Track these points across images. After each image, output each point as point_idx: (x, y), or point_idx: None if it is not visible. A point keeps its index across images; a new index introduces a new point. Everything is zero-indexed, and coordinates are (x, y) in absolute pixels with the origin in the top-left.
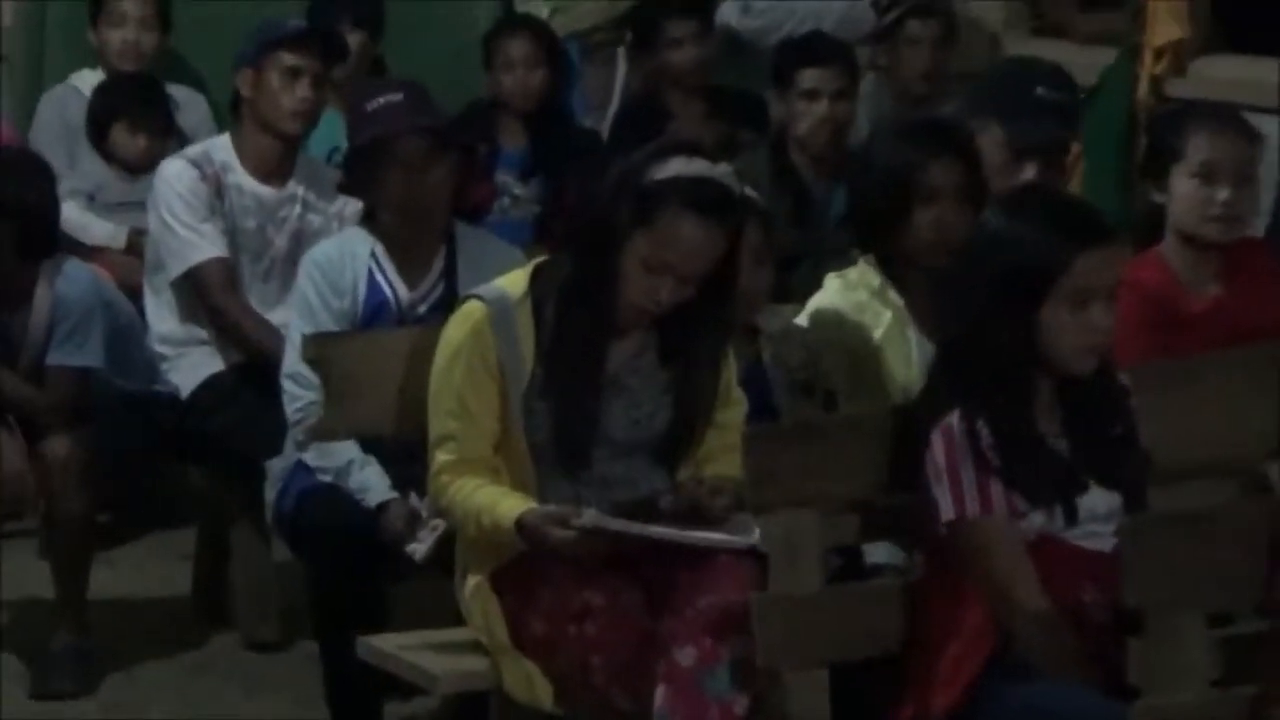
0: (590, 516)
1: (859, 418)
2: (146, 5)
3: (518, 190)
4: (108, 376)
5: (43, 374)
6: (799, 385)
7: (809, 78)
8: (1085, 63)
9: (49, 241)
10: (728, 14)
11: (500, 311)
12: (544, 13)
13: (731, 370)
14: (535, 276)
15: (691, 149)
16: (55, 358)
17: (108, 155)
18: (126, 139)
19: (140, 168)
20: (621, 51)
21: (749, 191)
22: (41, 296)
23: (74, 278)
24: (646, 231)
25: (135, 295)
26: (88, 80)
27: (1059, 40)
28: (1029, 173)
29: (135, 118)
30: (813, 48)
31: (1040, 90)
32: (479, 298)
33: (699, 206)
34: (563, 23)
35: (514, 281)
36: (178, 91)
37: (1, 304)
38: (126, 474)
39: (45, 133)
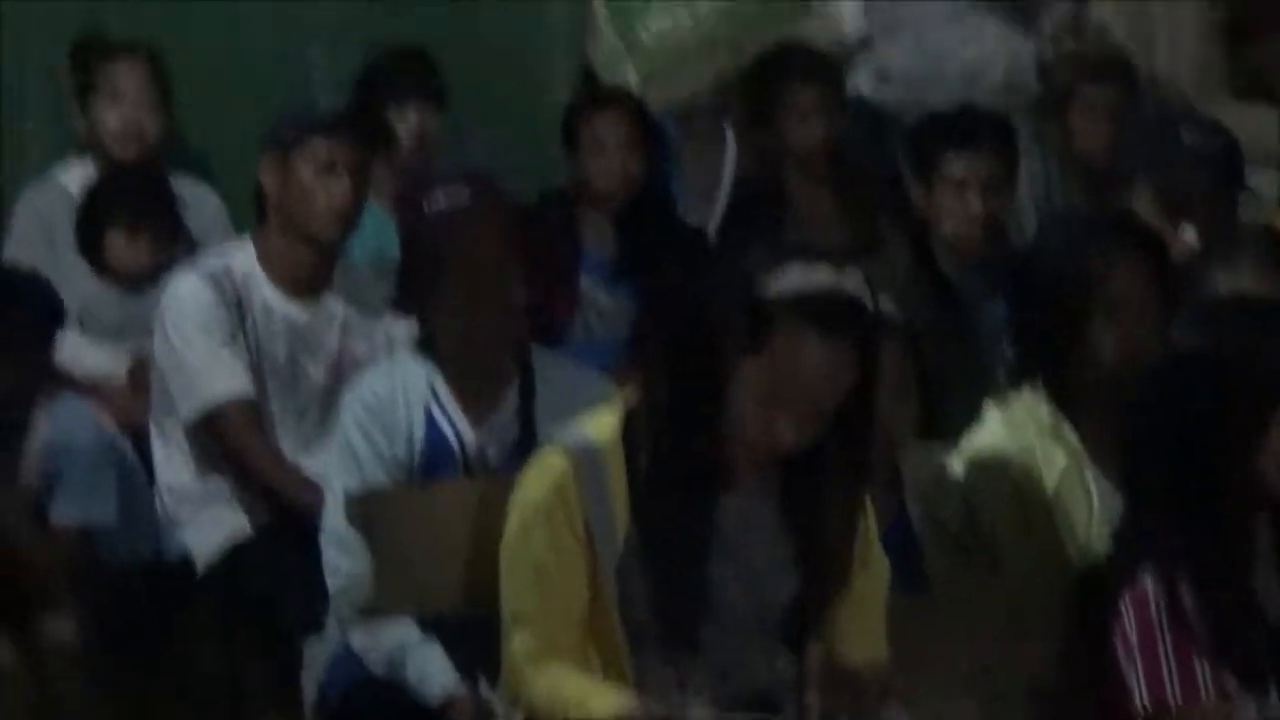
0: (702, 714)
1: (1030, 584)
2: (148, 79)
3: (605, 301)
4: (111, 538)
5: (34, 534)
6: (954, 544)
7: (958, 163)
8: None
9: (45, 375)
10: (860, 81)
11: (586, 462)
12: (634, 82)
13: (870, 527)
14: (628, 416)
15: (812, 254)
16: (60, 514)
17: (101, 267)
18: (125, 247)
19: (142, 282)
20: (730, 127)
21: (885, 304)
22: (36, 441)
23: (77, 418)
24: (759, 358)
25: (138, 438)
26: (74, 174)
27: (1266, 106)
28: (1188, 235)
29: (135, 221)
30: (963, 126)
31: (1190, 139)
32: (560, 445)
33: (823, 326)
34: (658, 94)
35: (602, 423)
36: (183, 186)
37: None
38: (132, 658)
39: (22, 240)
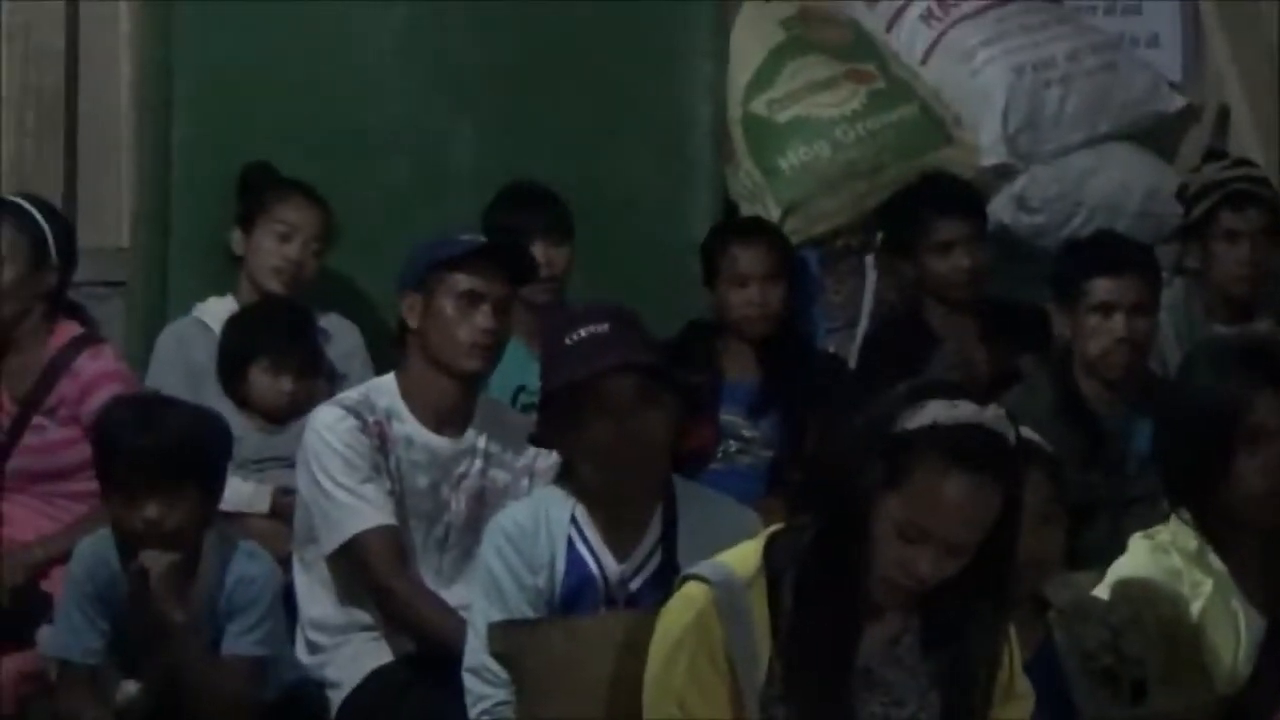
0: None
1: (1177, 713)
2: (321, 218)
3: (747, 432)
4: (271, 670)
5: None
6: (1100, 673)
7: (1101, 289)
8: None
9: (214, 509)
10: (1000, 209)
11: (729, 595)
12: (775, 214)
13: (1015, 657)
14: (769, 548)
15: (953, 388)
16: (238, 647)
17: (243, 401)
18: (267, 381)
19: (284, 416)
20: (871, 259)
21: (1029, 433)
22: (207, 574)
23: (256, 555)
24: (900, 492)
25: (281, 567)
26: (215, 310)
27: None
28: None
29: (278, 355)
30: (1105, 251)
31: None
32: (703, 579)
33: (964, 460)
34: (798, 225)
35: (744, 556)
36: (326, 320)
37: (176, 581)
38: None
39: (165, 376)
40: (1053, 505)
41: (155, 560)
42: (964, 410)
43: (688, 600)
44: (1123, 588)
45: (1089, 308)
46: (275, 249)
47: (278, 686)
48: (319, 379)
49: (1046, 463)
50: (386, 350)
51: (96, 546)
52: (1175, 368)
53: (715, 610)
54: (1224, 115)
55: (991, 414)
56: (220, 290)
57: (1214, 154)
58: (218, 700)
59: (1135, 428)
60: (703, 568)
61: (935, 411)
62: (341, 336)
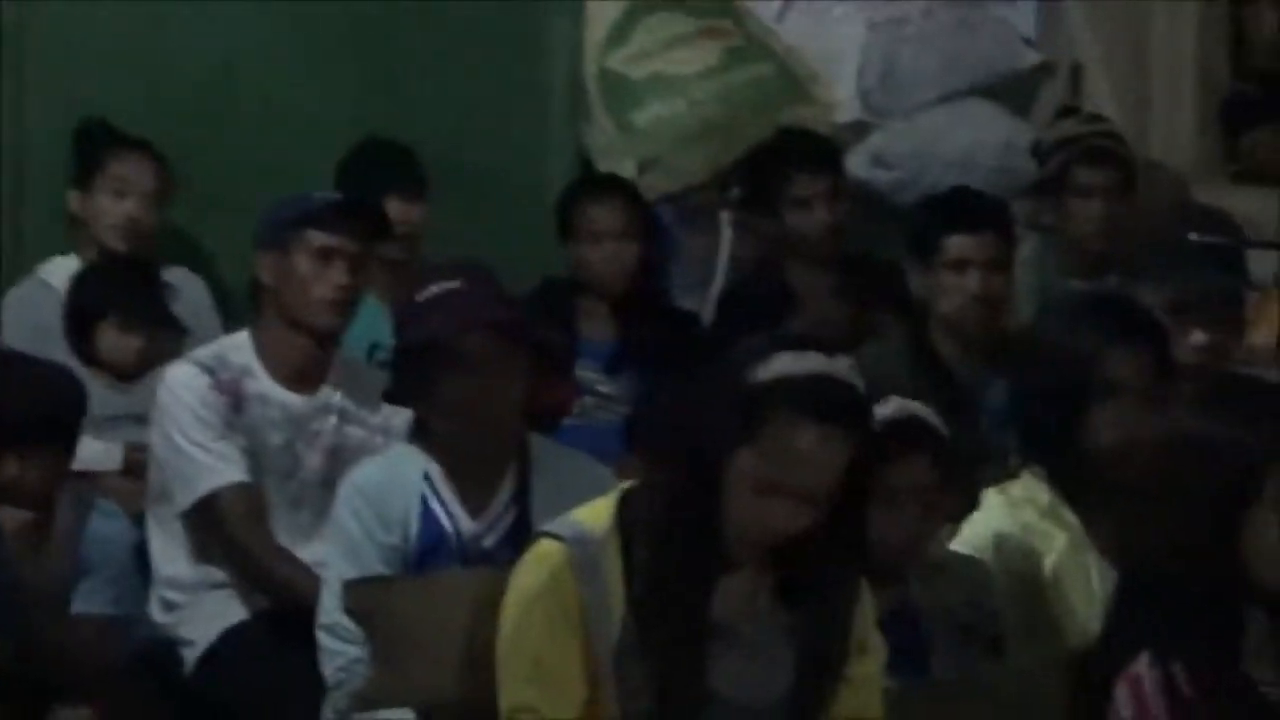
0: None
1: (1033, 669)
2: (157, 174)
3: (603, 388)
4: (122, 629)
5: (62, 625)
6: (956, 628)
7: (955, 245)
8: None
9: (67, 469)
10: (856, 165)
11: (582, 552)
12: (631, 171)
13: (868, 612)
14: (623, 505)
15: (801, 342)
16: (90, 605)
17: (91, 360)
18: (116, 339)
19: (134, 373)
20: (727, 216)
21: (924, 413)
22: (62, 533)
23: (111, 514)
24: (752, 445)
25: (135, 524)
26: (58, 270)
27: (1263, 188)
28: (1196, 338)
29: (126, 313)
30: (959, 208)
31: (1195, 236)
32: (556, 536)
33: (813, 411)
34: (655, 183)
35: (597, 513)
36: (172, 274)
37: (30, 540)
38: None
39: (12, 339)
40: (935, 494)
41: (10, 518)
42: (812, 362)
43: (541, 557)
44: (978, 543)
45: (944, 264)
46: (112, 207)
47: (131, 645)
48: (167, 334)
49: (933, 445)
50: (235, 305)
51: None
52: (1029, 324)
53: (569, 567)
54: (1078, 72)
55: (840, 364)
56: (64, 250)
57: (1068, 110)
58: (71, 659)
59: (990, 384)
60: (556, 525)
61: (784, 364)
62: (188, 291)
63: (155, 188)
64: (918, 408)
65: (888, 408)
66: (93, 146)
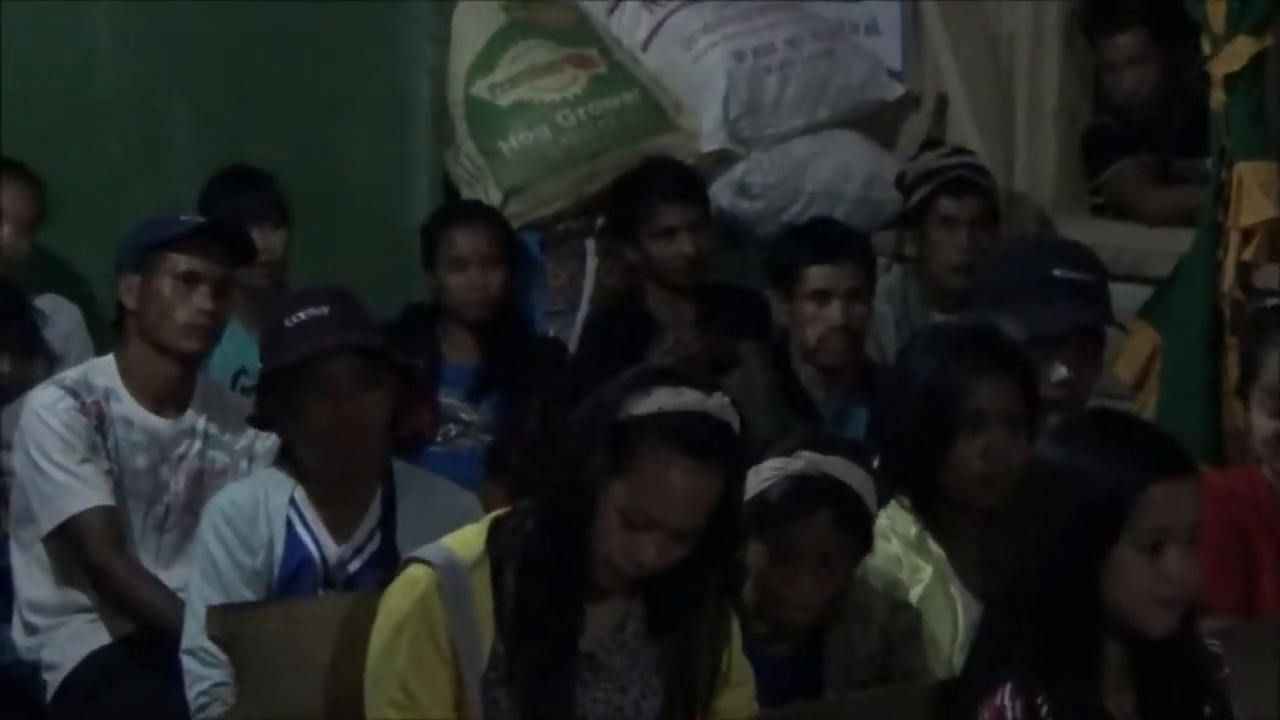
0: None
1: (889, 696)
2: (32, 199)
3: (466, 415)
4: None
5: None
6: (868, 666)
7: (816, 276)
8: (1157, 248)
9: None
10: (721, 195)
11: (451, 578)
12: (496, 198)
13: (736, 644)
14: (494, 532)
15: (678, 377)
16: None
17: None
18: None
19: (1, 398)
20: (592, 244)
21: (839, 470)
22: None
23: None
24: (625, 478)
25: None
26: None
27: (1124, 222)
28: (1058, 373)
29: None
30: (819, 238)
31: (1057, 272)
32: (425, 561)
33: (688, 447)
34: (519, 210)
35: (467, 540)
36: (43, 301)
37: None
38: None
39: None
40: (847, 552)
41: None
42: (689, 398)
43: (410, 583)
44: None
45: (805, 294)
46: None
47: None
48: (35, 360)
49: (841, 503)
50: (105, 329)
51: None
52: (893, 354)
53: (438, 593)
54: (942, 104)
55: (716, 401)
56: None
57: (932, 142)
58: None
59: (852, 414)
60: (426, 550)
61: (661, 399)
62: (59, 317)
63: (30, 214)
64: (830, 463)
65: (797, 463)
66: None
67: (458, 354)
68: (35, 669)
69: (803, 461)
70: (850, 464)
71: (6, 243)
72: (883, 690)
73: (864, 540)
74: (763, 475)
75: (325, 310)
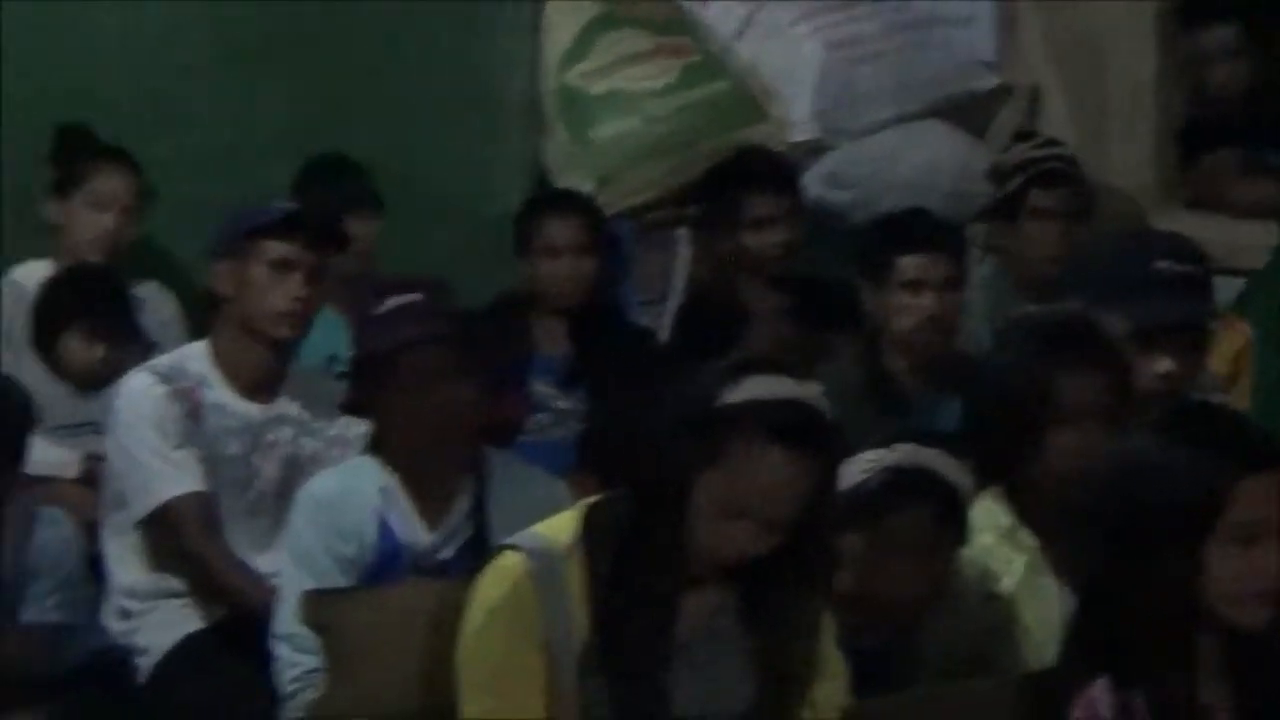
0: None
1: (981, 688)
2: (136, 187)
3: (558, 404)
4: (71, 637)
5: (3, 634)
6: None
7: (910, 266)
8: (1250, 242)
9: (15, 478)
10: (812, 185)
11: (544, 566)
12: (588, 186)
13: (829, 635)
14: (588, 520)
15: (771, 366)
16: (33, 614)
17: (56, 367)
18: (80, 348)
19: (96, 382)
20: (683, 233)
21: (939, 465)
22: (8, 543)
23: (55, 522)
24: (719, 467)
25: (88, 531)
26: (32, 274)
27: (1217, 214)
28: (1161, 365)
29: (91, 323)
30: (913, 228)
31: (1161, 264)
32: (518, 548)
33: (782, 435)
34: (611, 199)
35: (560, 526)
36: (140, 288)
37: None
38: None
39: None
40: (942, 545)
41: None
42: (782, 387)
43: (503, 570)
44: None
45: (897, 285)
46: (93, 220)
47: (81, 653)
48: (133, 347)
49: (939, 496)
50: (199, 317)
51: None
52: (984, 346)
53: (530, 581)
54: (1035, 96)
55: (808, 389)
56: (31, 253)
57: (1025, 134)
58: (14, 668)
59: (943, 406)
60: (519, 538)
61: (754, 387)
62: (156, 305)
63: (134, 202)
64: (928, 456)
65: (895, 455)
66: (72, 155)
67: (549, 343)
68: (128, 653)
69: (900, 453)
70: (946, 456)
71: (109, 229)
72: (975, 682)
73: (959, 532)
74: (860, 467)
75: (418, 298)
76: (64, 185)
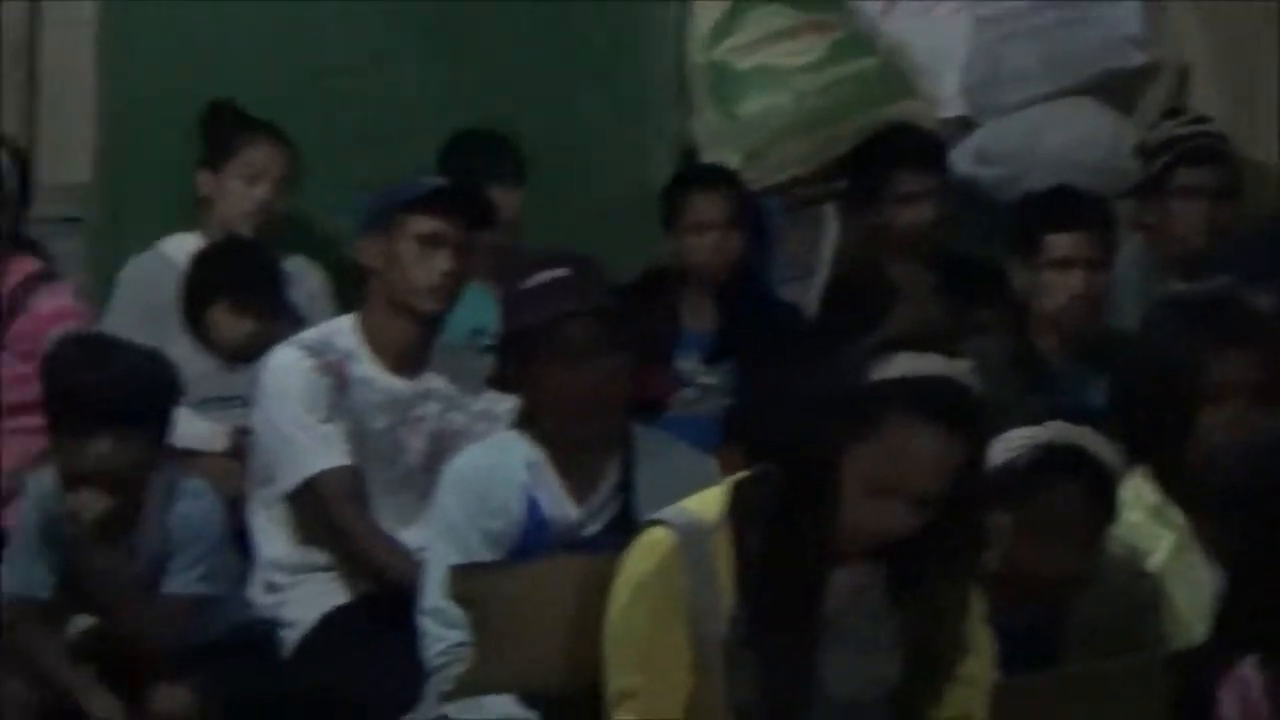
0: None
1: (1129, 665)
2: (288, 159)
3: (704, 379)
4: (217, 609)
5: (146, 606)
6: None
7: (1058, 244)
8: None
9: (160, 450)
10: (959, 161)
11: (692, 541)
12: (735, 162)
13: (977, 612)
14: (735, 496)
15: (921, 343)
16: (176, 585)
17: (204, 340)
18: (229, 321)
19: (244, 356)
20: (831, 209)
21: (1089, 442)
22: (152, 514)
23: (199, 494)
24: (869, 445)
25: (235, 505)
26: (181, 247)
27: None
28: None
29: (241, 295)
30: (1062, 206)
31: None
32: (666, 524)
33: (932, 413)
34: (757, 174)
35: (708, 503)
36: (289, 262)
37: (112, 525)
38: None
39: (125, 313)
40: (1094, 522)
41: (88, 505)
42: (932, 364)
43: (650, 545)
44: None
45: (1046, 263)
46: (244, 192)
47: (225, 625)
48: (281, 321)
49: (1092, 474)
50: (346, 291)
51: (43, 483)
52: (1133, 323)
53: (678, 556)
54: (1184, 73)
55: (958, 367)
56: (179, 225)
57: (1173, 111)
58: (153, 640)
59: (1091, 383)
60: (666, 513)
61: (904, 365)
62: (304, 279)
63: (285, 174)
64: (1079, 434)
65: (1046, 433)
66: (222, 129)
67: (696, 318)
68: (274, 627)
69: (1052, 431)
70: (1097, 434)
71: (262, 202)
72: (1123, 659)
73: (1109, 511)
74: (1010, 444)
75: (566, 273)
76: (215, 157)
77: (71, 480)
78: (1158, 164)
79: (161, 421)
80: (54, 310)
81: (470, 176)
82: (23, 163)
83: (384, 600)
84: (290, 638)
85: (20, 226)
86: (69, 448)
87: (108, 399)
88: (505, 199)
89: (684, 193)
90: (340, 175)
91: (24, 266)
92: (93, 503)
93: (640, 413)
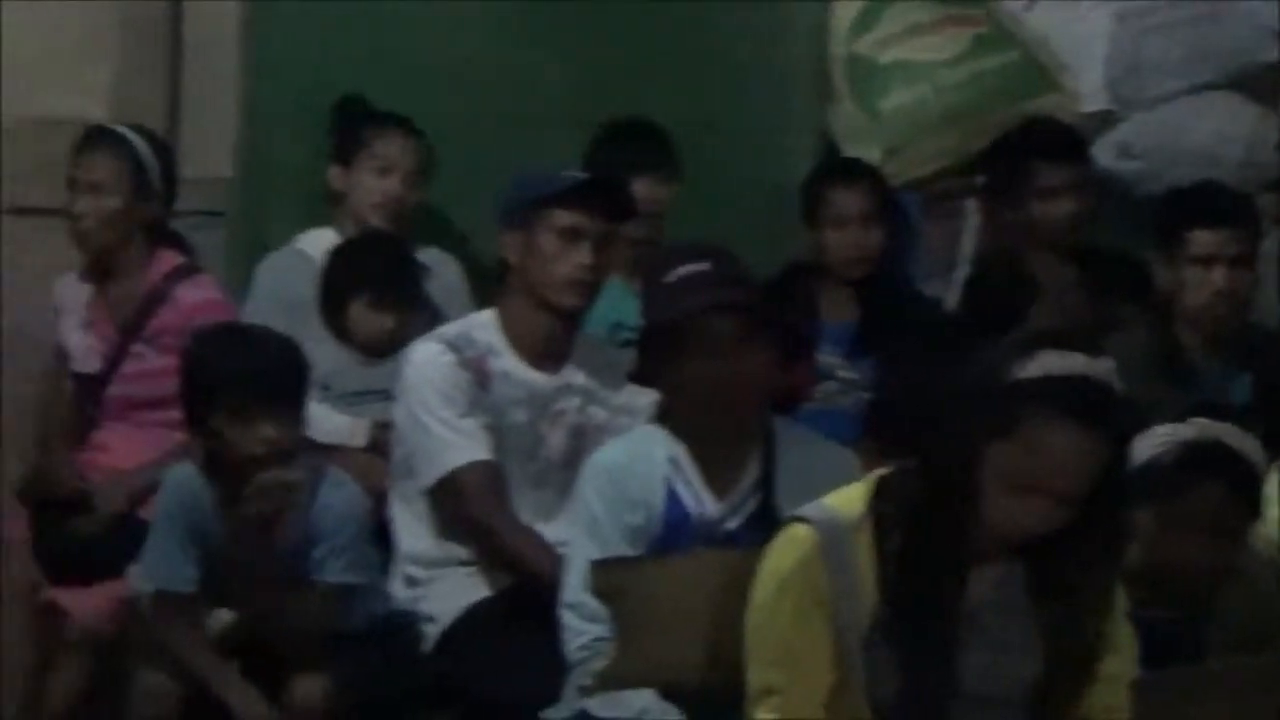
0: None
1: (1272, 663)
2: (419, 152)
3: (845, 374)
4: (358, 600)
5: (295, 595)
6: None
7: (1201, 240)
8: None
9: (298, 438)
10: (1101, 155)
11: (832, 538)
12: (876, 156)
13: (1119, 608)
14: (877, 493)
15: (1064, 341)
16: (321, 574)
17: (343, 335)
18: (368, 316)
19: (383, 350)
20: (972, 204)
21: (1231, 438)
22: (297, 503)
23: (341, 484)
24: (1010, 442)
25: (376, 499)
26: (318, 243)
27: None
28: None
29: (379, 291)
30: (1205, 202)
31: None
32: (807, 520)
33: (1075, 412)
34: (898, 169)
35: (849, 499)
36: (426, 255)
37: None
38: None
39: (264, 308)
40: (1236, 520)
41: (280, 477)
42: (1075, 362)
43: (792, 542)
44: None
45: (1189, 259)
46: (376, 185)
47: (367, 617)
48: (419, 315)
49: (1235, 471)
50: (485, 285)
51: (183, 476)
52: (1276, 320)
53: (819, 553)
54: None
55: (1101, 365)
56: (319, 220)
57: None
58: (302, 628)
59: (1234, 380)
60: (807, 509)
61: (1047, 362)
62: (442, 272)
63: (417, 166)
64: (1223, 431)
65: (1190, 430)
66: (353, 123)
67: (836, 312)
68: (414, 620)
69: (1196, 428)
70: (1241, 431)
71: (394, 195)
72: (1265, 657)
73: (1253, 507)
74: (1154, 441)
75: (707, 267)
76: (345, 152)
77: (224, 470)
78: None
79: (297, 403)
80: (197, 303)
81: (620, 168)
82: (167, 157)
83: (524, 595)
84: (431, 632)
85: (165, 220)
86: (234, 433)
87: (267, 382)
88: (654, 192)
89: (824, 187)
90: (479, 167)
91: (169, 259)
92: (284, 475)
93: (781, 407)
